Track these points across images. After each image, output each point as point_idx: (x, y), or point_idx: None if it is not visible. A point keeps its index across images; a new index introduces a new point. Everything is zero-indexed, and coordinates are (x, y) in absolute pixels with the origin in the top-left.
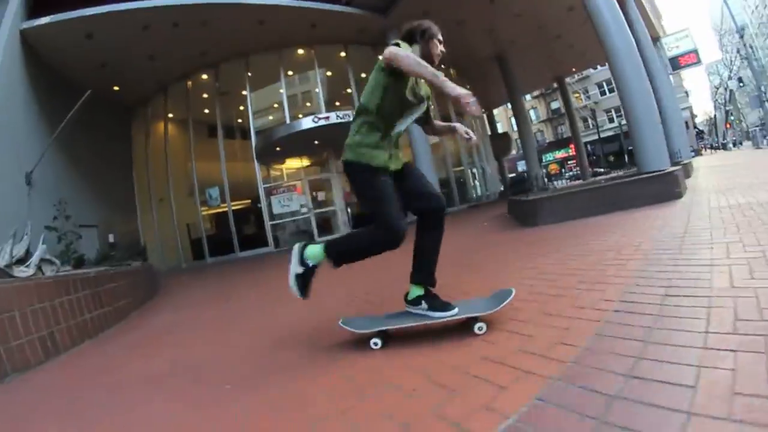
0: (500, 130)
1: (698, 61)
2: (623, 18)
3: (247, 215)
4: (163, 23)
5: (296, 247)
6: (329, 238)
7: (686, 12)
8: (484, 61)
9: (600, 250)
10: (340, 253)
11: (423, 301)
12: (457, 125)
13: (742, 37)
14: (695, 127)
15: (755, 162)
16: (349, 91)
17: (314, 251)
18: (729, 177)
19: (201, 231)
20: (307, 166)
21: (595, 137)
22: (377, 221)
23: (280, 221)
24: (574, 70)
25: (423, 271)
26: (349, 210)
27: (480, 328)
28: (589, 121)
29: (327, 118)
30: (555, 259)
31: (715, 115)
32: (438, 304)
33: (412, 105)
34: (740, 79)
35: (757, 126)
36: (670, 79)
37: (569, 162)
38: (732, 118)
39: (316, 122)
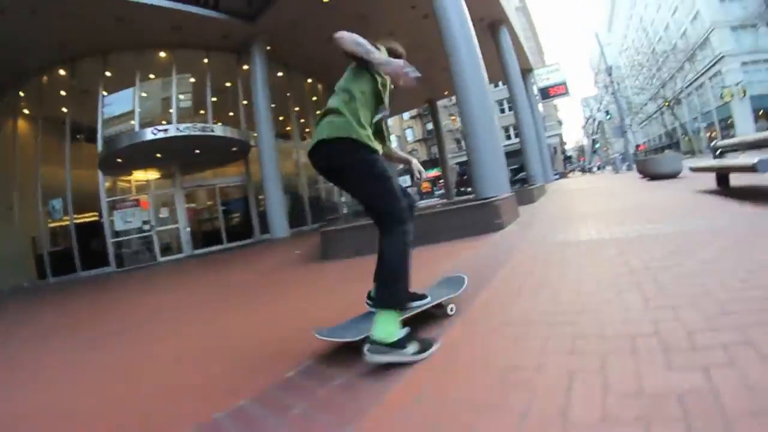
0: None
1: (566, 92)
2: (478, 51)
3: (90, 231)
4: (20, 8)
5: (372, 352)
6: (374, 296)
7: (572, 51)
8: None
9: (307, 318)
10: (398, 295)
11: None
12: (414, 161)
13: (610, 75)
14: (563, 152)
15: (607, 186)
16: (215, 99)
17: (384, 326)
18: (573, 202)
19: (45, 246)
20: (157, 179)
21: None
22: (388, 210)
23: (123, 239)
24: (446, 93)
25: None
26: (188, 229)
27: (452, 309)
28: (462, 142)
29: (166, 130)
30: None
31: (583, 143)
32: (415, 295)
33: (382, 101)
34: (607, 112)
35: (618, 153)
36: (539, 108)
37: (440, 181)
38: (598, 145)
39: (155, 134)
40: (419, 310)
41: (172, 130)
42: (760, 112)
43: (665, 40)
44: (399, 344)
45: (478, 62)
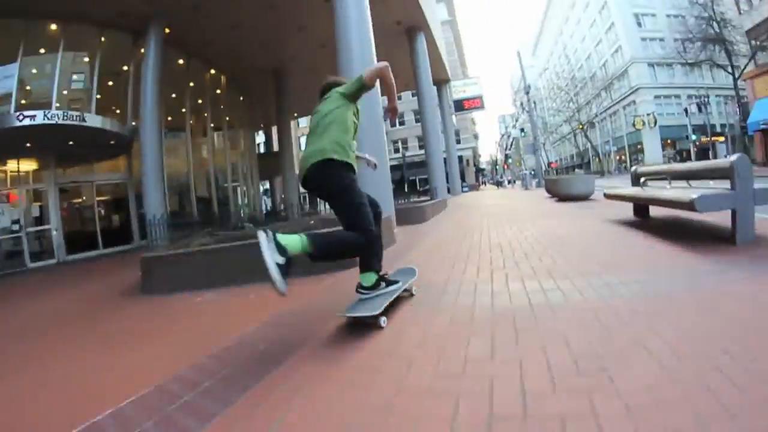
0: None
1: (482, 106)
2: (373, 50)
3: None
4: None
5: (263, 235)
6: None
7: (495, 69)
8: (261, 73)
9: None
10: (325, 250)
11: (382, 282)
12: (366, 155)
13: (528, 93)
14: (476, 165)
15: (515, 205)
16: (111, 84)
17: (291, 241)
18: (469, 227)
19: None
20: (33, 171)
21: None
22: (359, 221)
23: None
24: None
25: (376, 259)
26: (55, 232)
27: (415, 290)
28: None
29: (33, 116)
30: None
31: (497, 158)
32: (391, 281)
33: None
34: (522, 130)
35: (529, 170)
36: (452, 120)
37: None
38: (510, 161)
39: (20, 121)
40: (398, 293)
41: (40, 117)
42: (668, 141)
43: (586, 69)
44: (282, 251)
45: (372, 60)
